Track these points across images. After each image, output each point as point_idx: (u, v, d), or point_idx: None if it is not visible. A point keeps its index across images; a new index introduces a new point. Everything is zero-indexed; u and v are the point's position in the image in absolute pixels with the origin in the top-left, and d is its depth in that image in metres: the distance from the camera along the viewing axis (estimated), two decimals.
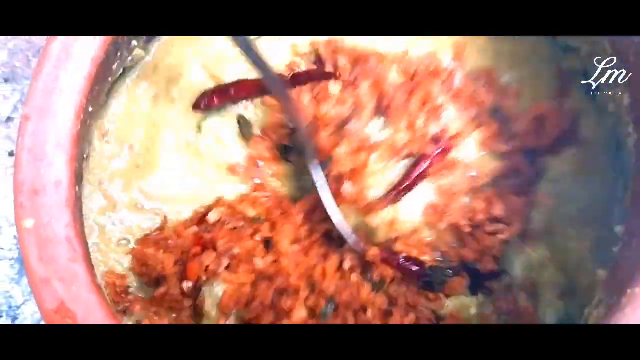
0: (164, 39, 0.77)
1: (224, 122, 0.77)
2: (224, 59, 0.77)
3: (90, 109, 0.66)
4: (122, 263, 0.72)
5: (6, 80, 0.94)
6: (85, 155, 0.69)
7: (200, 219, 0.72)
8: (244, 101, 0.77)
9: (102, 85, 0.69)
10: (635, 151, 0.68)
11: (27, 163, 0.60)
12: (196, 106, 0.76)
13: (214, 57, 0.77)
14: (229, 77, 0.77)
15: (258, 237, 0.71)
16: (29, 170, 0.59)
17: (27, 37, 0.95)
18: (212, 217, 0.73)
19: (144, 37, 0.74)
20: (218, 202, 0.74)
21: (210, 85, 0.77)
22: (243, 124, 0.77)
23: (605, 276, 0.65)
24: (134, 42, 0.72)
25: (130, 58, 0.73)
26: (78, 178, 0.63)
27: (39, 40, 0.95)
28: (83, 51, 0.64)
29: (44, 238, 0.58)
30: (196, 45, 0.77)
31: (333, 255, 0.72)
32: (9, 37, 0.95)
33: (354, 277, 0.71)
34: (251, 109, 0.78)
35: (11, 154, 0.92)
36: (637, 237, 0.63)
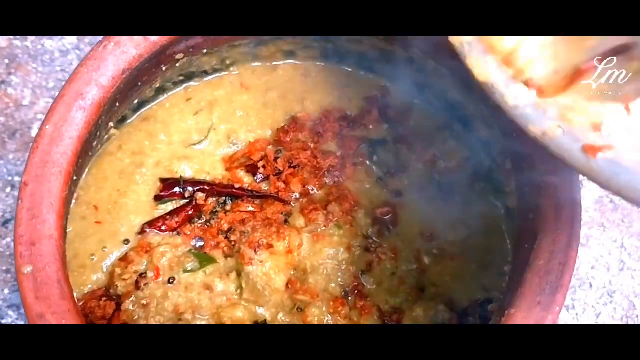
0: (131, 121, 0.94)
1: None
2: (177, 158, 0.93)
3: (74, 178, 0.81)
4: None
5: None
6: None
7: None
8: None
9: (84, 159, 0.84)
10: None
11: (26, 220, 0.74)
12: (158, 197, 0.91)
13: (167, 154, 0.94)
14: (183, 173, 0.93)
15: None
16: (28, 227, 0.74)
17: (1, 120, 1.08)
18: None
19: (119, 117, 0.90)
20: None
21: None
22: None
23: None
24: (111, 123, 0.89)
25: (106, 137, 0.89)
26: (64, 231, 0.78)
27: (13, 123, 1.09)
28: (71, 130, 0.80)
29: (39, 281, 0.71)
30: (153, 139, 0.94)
31: None
32: None
33: None
34: None
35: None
36: None
